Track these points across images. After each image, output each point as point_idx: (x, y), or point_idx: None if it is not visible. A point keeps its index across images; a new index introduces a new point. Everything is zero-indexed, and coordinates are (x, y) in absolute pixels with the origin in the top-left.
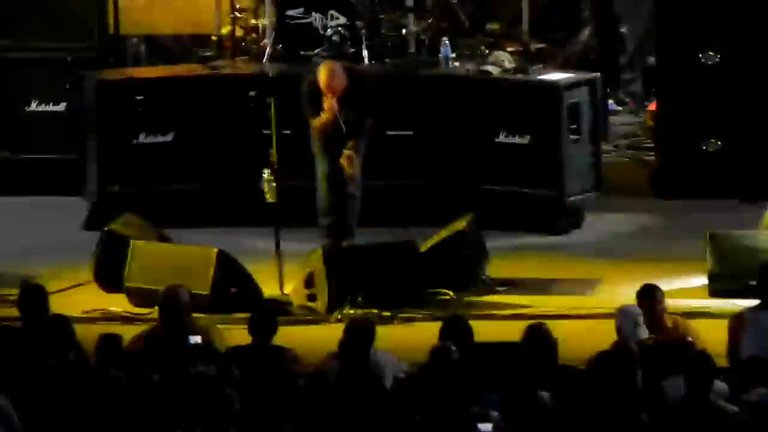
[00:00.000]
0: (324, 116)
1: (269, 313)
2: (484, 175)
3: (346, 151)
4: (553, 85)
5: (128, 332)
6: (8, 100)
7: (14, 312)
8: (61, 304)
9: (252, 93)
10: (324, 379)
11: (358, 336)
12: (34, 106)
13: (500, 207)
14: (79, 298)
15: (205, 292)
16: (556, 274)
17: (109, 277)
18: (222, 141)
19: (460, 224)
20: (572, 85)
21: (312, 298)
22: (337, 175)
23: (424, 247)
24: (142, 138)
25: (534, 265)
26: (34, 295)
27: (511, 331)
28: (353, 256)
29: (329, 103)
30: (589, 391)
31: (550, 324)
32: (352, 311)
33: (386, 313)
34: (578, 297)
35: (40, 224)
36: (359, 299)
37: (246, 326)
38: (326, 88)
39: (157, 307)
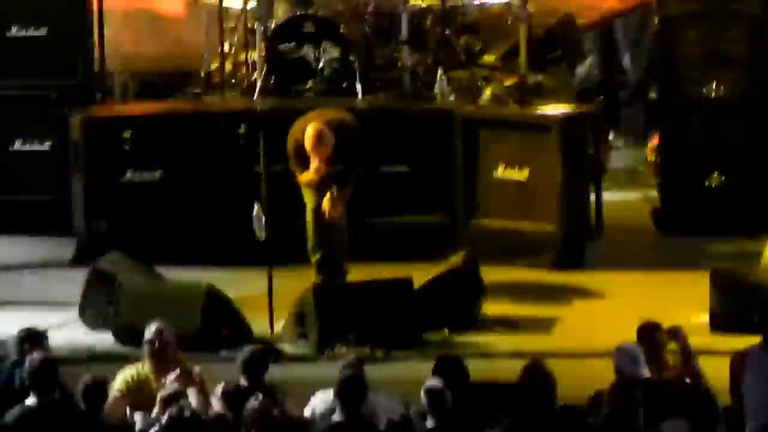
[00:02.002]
0: (311, 176)
1: (260, 352)
2: (484, 211)
3: (328, 197)
4: (551, 119)
5: (113, 370)
6: None
7: None
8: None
9: (242, 129)
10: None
11: (351, 390)
12: (18, 146)
13: (499, 241)
14: (65, 336)
15: (194, 330)
16: (555, 312)
17: (96, 315)
18: (211, 178)
19: (456, 260)
20: (571, 119)
21: (303, 336)
22: (323, 212)
23: (420, 283)
24: (129, 175)
25: (533, 303)
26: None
27: (509, 371)
28: (345, 293)
29: (316, 165)
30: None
31: (549, 362)
32: (343, 350)
33: (379, 353)
34: (578, 335)
35: (25, 263)
36: (351, 338)
37: (237, 366)
38: (312, 152)
39: (144, 346)
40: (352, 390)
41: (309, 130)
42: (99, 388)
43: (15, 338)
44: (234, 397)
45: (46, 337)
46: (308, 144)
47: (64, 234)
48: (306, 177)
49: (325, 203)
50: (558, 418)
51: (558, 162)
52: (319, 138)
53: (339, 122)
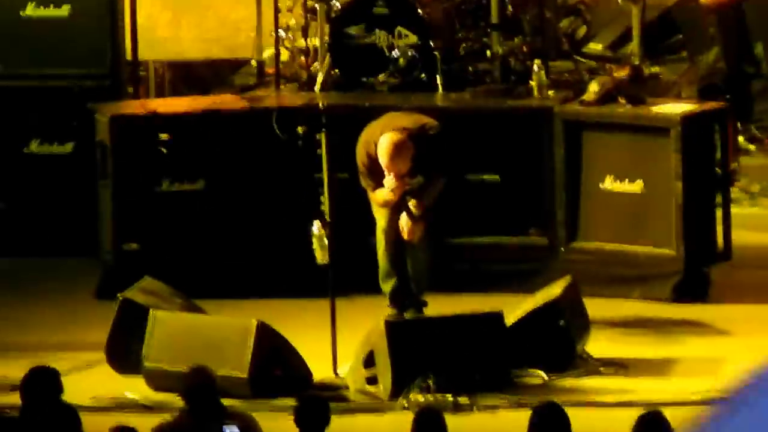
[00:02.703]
0: (386, 197)
1: (320, 400)
2: (589, 231)
3: (405, 215)
4: (669, 120)
5: (147, 424)
6: (3, 139)
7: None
8: (66, 389)
9: (300, 129)
10: None
11: (433, 426)
12: (34, 147)
13: (606, 267)
14: (89, 382)
15: (241, 375)
16: (673, 352)
17: (125, 355)
18: (263, 189)
19: (556, 290)
20: (694, 120)
21: (372, 380)
22: (398, 231)
23: (512, 317)
24: (166, 186)
25: (647, 341)
26: (44, 380)
27: (618, 423)
28: (423, 329)
29: (393, 184)
30: None
31: (667, 413)
32: (420, 397)
33: (463, 400)
34: (701, 380)
35: (43, 291)
36: (430, 382)
37: (292, 415)
38: (388, 167)
39: (181, 393)
40: None
41: (384, 141)
42: None
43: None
44: None
45: (59, 379)
46: (383, 158)
47: (88, 255)
48: (380, 197)
49: (402, 222)
50: None
51: (678, 171)
52: (396, 150)
53: (419, 129)
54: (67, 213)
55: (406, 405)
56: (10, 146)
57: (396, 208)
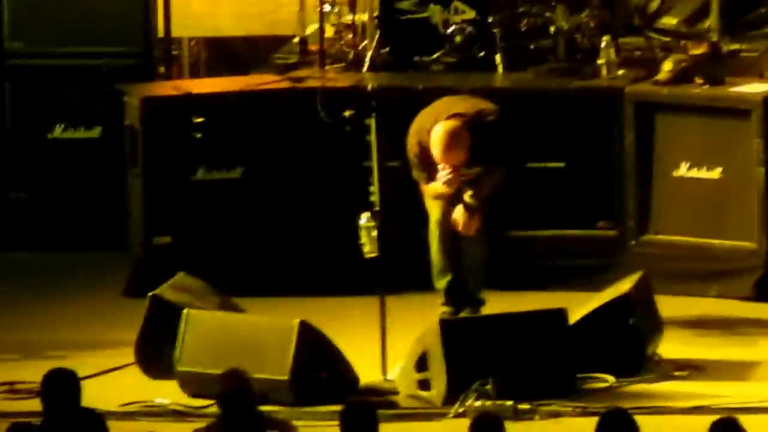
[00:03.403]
0: (441, 190)
1: (367, 406)
2: (662, 222)
3: (461, 207)
4: (751, 101)
5: (180, 431)
6: (25, 124)
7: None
8: (93, 394)
9: (347, 113)
10: None
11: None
12: (59, 132)
13: (681, 262)
14: (116, 386)
15: (283, 378)
16: (754, 354)
17: (156, 358)
18: (306, 177)
19: (625, 286)
20: None
21: (425, 385)
22: (453, 224)
23: (577, 316)
24: (201, 174)
25: (725, 342)
26: (62, 383)
27: (693, 430)
28: (480, 329)
29: (448, 176)
30: None
31: (745, 420)
32: (478, 403)
33: (524, 406)
34: None
35: (68, 288)
36: (488, 387)
37: (338, 423)
38: (442, 158)
39: (216, 398)
40: None
41: (438, 131)
42: None
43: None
44: None
45: (77, 383)
46: (437, 149)
47: (117, 249)
48: (434, 190)
49: (458, 214)
50: None
51: (759, 157)
52: (450, 141)
53: (475, 115)
54: (94, 204)
55: (461, 411)
56: (32, 132)
57: (451, 199)
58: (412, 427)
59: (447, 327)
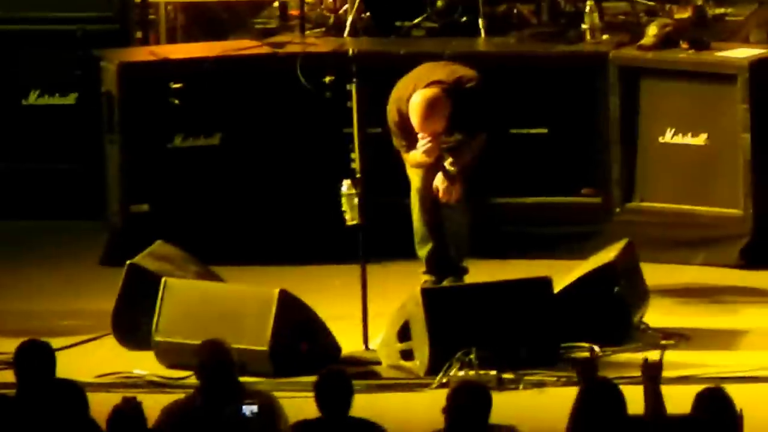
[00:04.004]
0: (420, 159)
1: (340, 375)
2: (647, 189)
3: (442, 174)
4: (737, 66)
5: (157, 403)
6: (0, 90)
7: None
8: (68, 365)
9: (328, 78)
10: None
11: (468, 405)
12: (33, 99)
13: (667, 230)
14: (93, 357)
15: (262, 348)
16: (741, 322)
17: (133, 328)
18: (286, 144)
19: (610, 254)
20: (764, 66)
21: (407, 355)
22: (434, 192)
23: (561, 285)
24: (179, 141)
25: (712, 311)
26: (36, 355)
27: (680, 400)
28: (463, 297)
29: (428, 145)
30: None
31: (732, 389)
32: (461, 373)
33: (508, 375)
34: None
35: (44, 257)
36: (471, 356)
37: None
38: (422, 126)
39: (195, 369)
40: (467, 424)
41: (417, 99)
42: (133, 416)
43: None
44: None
45: (51, 354)
46: (416, 118)
47: (94, 218)
48: (415, 158)
49: (438, 182)
50: None
51: (745, 123)
52: (429, 109)
53: (455, 82)
54: (70, 171)
55: (444, 381)
56: (7, 98)
57: (432, 167)
58: (394, 397)
59: (429, 296)
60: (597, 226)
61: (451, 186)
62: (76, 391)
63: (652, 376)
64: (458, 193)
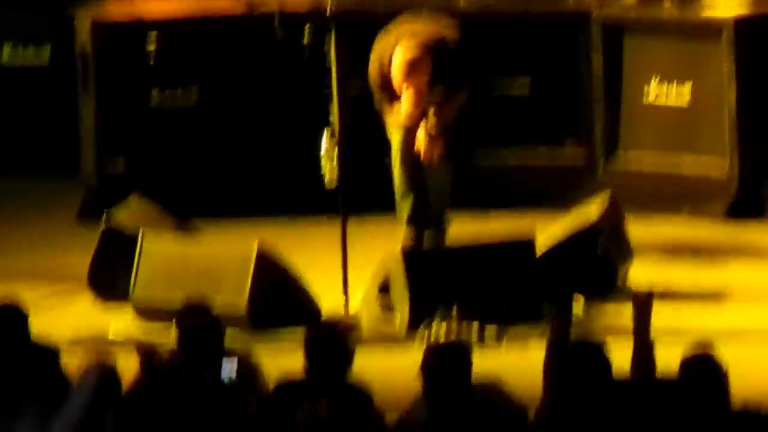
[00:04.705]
0: (403, 119)
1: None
2: (631, 143)
3: (423, 130)
4: (721, 22)
5: (135, 361)
6: None
7: None
8: (44, 322)
9: (306, 36)
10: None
11: (444, 365)
12: (5, 56)
13: (651, 184)
14: (69, 314)
15: (240, 305)
16: (727, 278)
17: (110, 285)
18: (264, 102)
19: (593, 209)
20: (749, 22)
21: (387, 312)
22: (415, 150)
23: (544, 241)
24: (155, 99)
25: (697, 266)
26: (7, 320)
27: (665, 356)
28: (444, 254)
29: (409, 104)
30: None
31: (719, 345)
32: (443, 326)
33: (490, 332)
34: (758, 309)
35: (19, 214)
36: (453, 313)
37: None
38: (404, 83)
39: (174, 327)
40: (446, 380)
41: (398, 57)
42: (108, 376)
43: None
44: (287, 394)
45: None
46: (397, 77)
47: (69, 175)
48: (396, 117)
49: (420, 140)
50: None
51: (731, 78)
52: (411, 68)
53: (437, 38)
54: (45, 129)
55: (426, 338)
56: None
57: (413, 125)
58: (374, 356)
59: (410, 257)
60: (579, 181)
61: (433, 143)
62: (48, 355)
63: (642, 307)
64: (440, 150)
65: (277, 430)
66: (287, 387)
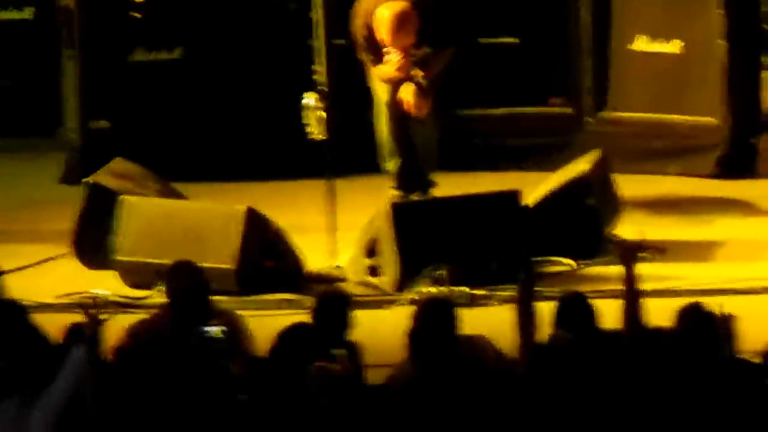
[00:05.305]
0: (391, 74)
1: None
2: (620, 98)
3: (409, 86)
4: None
5: (119, 323)
6: None
7: None
8: (26, 285)
9: None
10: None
11: (431, 317)
12: None
13: (640, 140)
14: (52, 277)
15: (228, 266)
16: (717, 233)
17: (94, 247)
18: (249, 57)
19: (582, 166)
20: None
21: (375, 271)
22: (402, 106)
23: (533, 198)
24: (139, 55)
25: (687, 222)
26: None
27: (655, 313)
28: (432, 213)
29: (398, 60)
30: None
31: (709, 301)
32: (433, 290)
33: (479, 291)
34: (749, 264)
35: (1, 176)
36: (440, 272)
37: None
38: (390, 42)
39: (158, 289)
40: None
41: (384, 13)
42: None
43: None
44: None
45: None
46: (384, 33)
47: (52, 135)
48: (383, 73)
49: (407, 96)
50: (726, 375)
51: (721, 29)
52: (398, 24)
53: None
54: (27, 87)
55: (413, 297)
56: None
57: (400, 81)
58: (362, 315)
59: (397, 211)
60: (568, 136)
61: (421, 100)
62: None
63: (629, 256)
64: (428, 106)
65: (284, 377)
66: (292, 336)
